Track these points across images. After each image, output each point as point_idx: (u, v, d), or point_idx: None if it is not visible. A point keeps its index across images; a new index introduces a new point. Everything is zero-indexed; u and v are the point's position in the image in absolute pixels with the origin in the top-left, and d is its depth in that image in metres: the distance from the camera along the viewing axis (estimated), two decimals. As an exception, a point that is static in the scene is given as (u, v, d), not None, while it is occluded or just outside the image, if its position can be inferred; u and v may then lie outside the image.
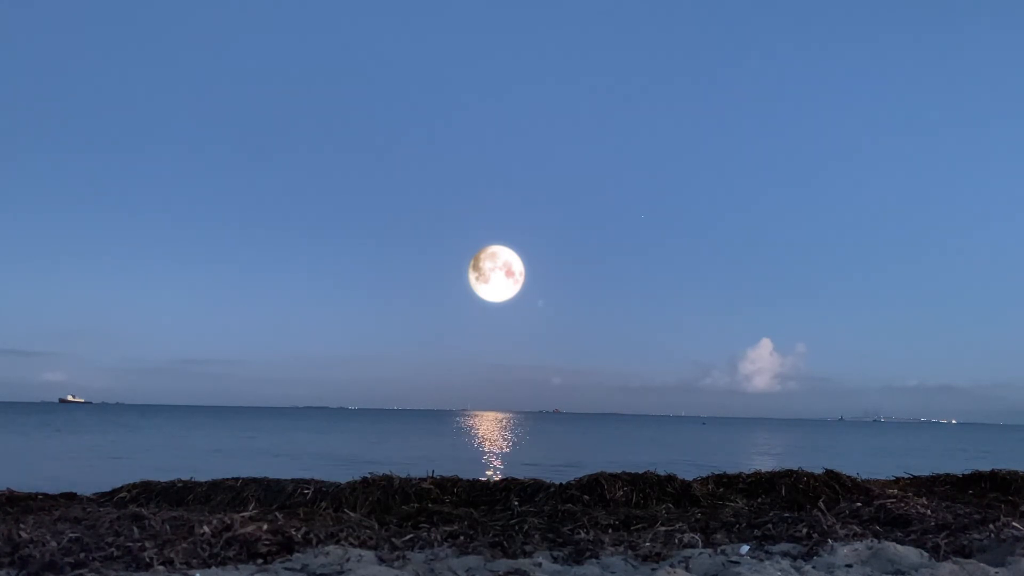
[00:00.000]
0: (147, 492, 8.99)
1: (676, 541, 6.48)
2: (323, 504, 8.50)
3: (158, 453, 29.02)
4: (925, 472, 12.16)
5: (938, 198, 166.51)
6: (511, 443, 43.55)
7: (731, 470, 10.58)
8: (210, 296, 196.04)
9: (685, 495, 9.05)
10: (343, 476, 9.67)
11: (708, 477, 10.30)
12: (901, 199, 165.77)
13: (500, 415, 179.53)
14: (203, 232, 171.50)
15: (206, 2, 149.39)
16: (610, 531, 7.07)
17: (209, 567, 5.44)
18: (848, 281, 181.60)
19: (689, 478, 9.80)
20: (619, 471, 9.58)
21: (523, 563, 5.65)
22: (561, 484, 9.27)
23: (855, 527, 6.94)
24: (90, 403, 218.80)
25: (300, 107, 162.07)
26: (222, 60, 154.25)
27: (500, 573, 5.39)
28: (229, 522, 6.32)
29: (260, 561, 5.71)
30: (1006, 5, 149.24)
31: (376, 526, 7.31)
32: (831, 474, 9.76)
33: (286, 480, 9.25)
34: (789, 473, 9.79)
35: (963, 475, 11.21)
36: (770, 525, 7.13)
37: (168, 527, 6.33)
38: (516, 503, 8.56)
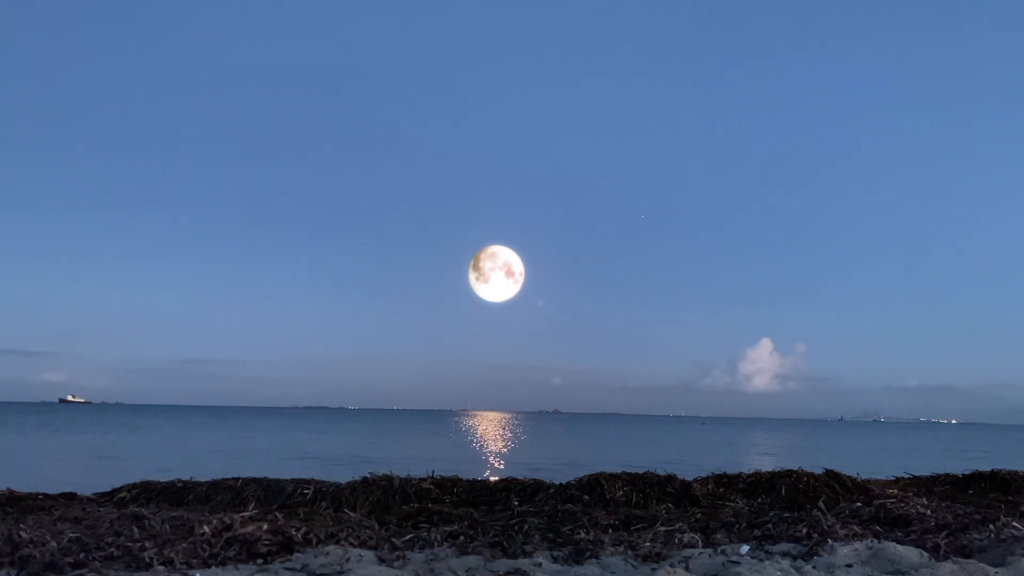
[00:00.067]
0: (147, 492, 8.98)
1: (676, 541, 6.48)
2: (323, 504, 8.50)
3: (158, 453, 29.02)
4: (925, 472, 12.15)
5: (938, 198, 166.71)
6: (511, 443, 43.55)
7: (731, 470, 10.56)
8: (210, 296, 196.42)
9: (685, 495, 9.05)
10: (343, 476, 9.67)
11: (708, 477, 10.29)
12: (901, 199, 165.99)
13: (500, 415, 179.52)
14: (203, 232, 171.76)
15: (206, 2, 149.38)
16: (610, 531, 7.07)
17: (209, 567, 5.44)
18: (848, 281, 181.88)
19: (689, 478, 9.79)
20: (619, 471, 9.57)
21: (523, 563, 5.65)
22: (561, 484, 9.26)
23: (855, 527, 6.93)
24: (90, 403, 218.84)
25: (300, 107, 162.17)
26: (222, 60, 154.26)
27: (500, 573, 5.39)
28: (229, 522, 6.32)
29: (260, 561, 5.70)
30: (1006, 5, 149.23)
31: (376, 526, 7.30)
32: (831, 474, 9.76)
33: (286, 480, 9.24)
34: (789, 473, 9.78)
35: (963, 475, 11.19)
36: (770, 525, 7.13)
37: (168, 527, 6.33)
38: (516, 503, 8.56)
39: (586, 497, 8.81)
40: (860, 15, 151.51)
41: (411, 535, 6.71)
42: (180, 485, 9.13)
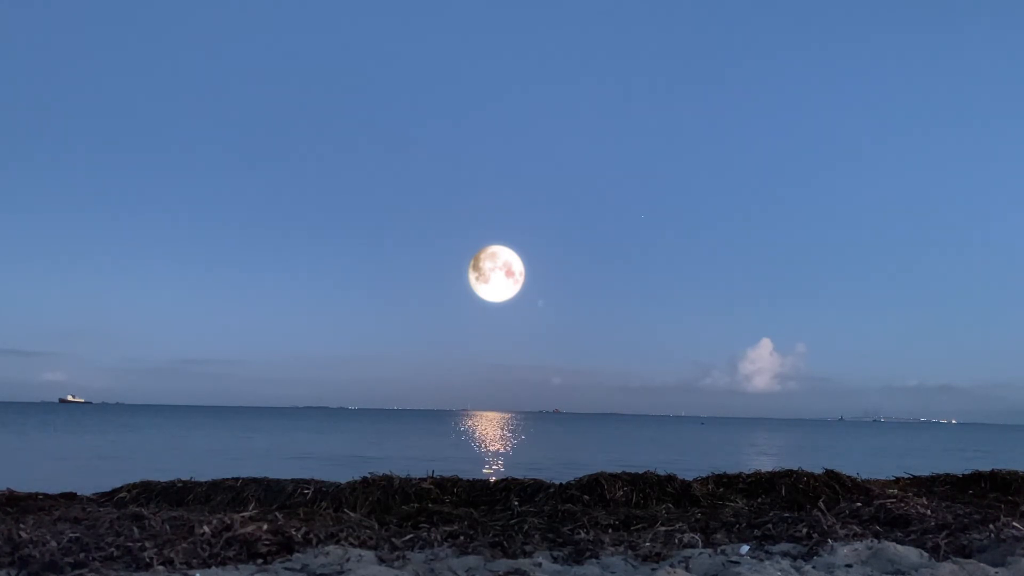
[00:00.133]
0: (147, 492, 8.98)
1: (676, 541, 6.48)
2: (323, 504, 8.50)
3: (158, 453, 29.02)
4: (925, 472, 12.14)
5: (938, 198, 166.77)
6: (511, 443, 43.54)
7: (731, 470, 10.56)
8: (210, 296, 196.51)
9: (685, 495, 9.05)
10: (343, 476, 9.66)
11: (708, 477, 10.28)
12: (901, 199, 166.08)
13: (500, 415, 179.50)
14: (203, 232, 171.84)
15: (206, 2, 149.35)
16: (610, 531, 7.07)
17: (209, 567, 5.44)
18: (848, 281, 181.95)
19: (689, 478, 9.79)
20: (619, 471, 9.57)
21: (523, 563, 5.65)
22: (561, 484, 9.26)
23: (855, 527, 6.93)
24: (90, 403, 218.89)
25: (300, 108, 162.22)
26: (222, 61, 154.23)
27: (500, 573, 5.39)
28: (229, 522, 6.31)
29: (260, 561, 5.70)
30: (1006, 5, 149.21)
31: (376, 526, 7.30)
32: (831, 474, 9.75)
33: (286, 480, 9.24)
34: (789, 473, 9.78)
35: (963, 475, 11.19)
36: (770, 525, 7.13)
37: (168, 527, 6.32)
38: (516, 503, 8.56)
39: (586, 497, 8.81)
40: (860, 15, 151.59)
41: (411, 535, 6.71)
42: (180, 485, 9.13)
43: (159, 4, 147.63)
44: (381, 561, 5.70)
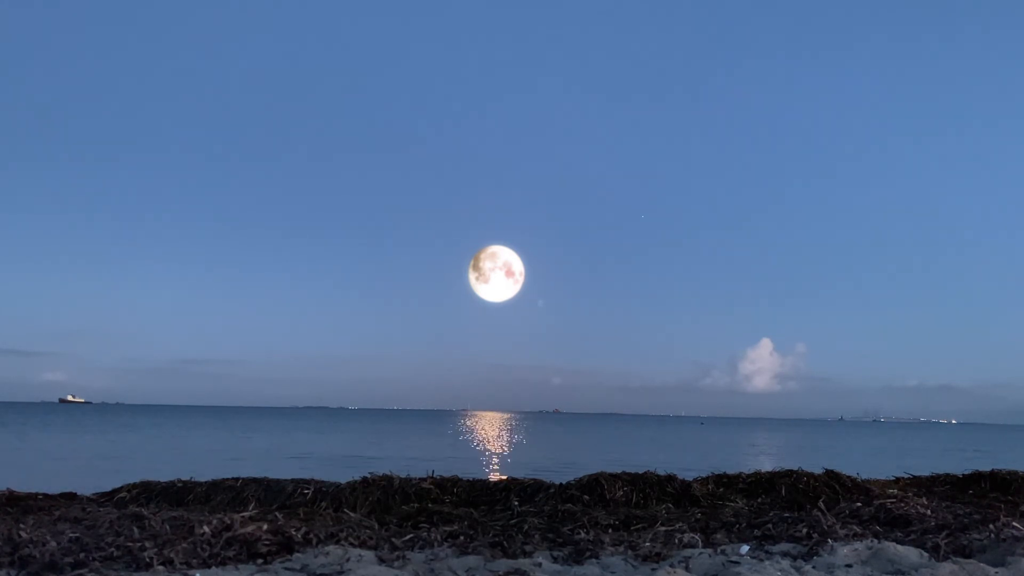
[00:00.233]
0: (147, 492, 8.98)
1: (676, 541, 6.48)
2: (323, 504, 8.50)
3: (158, 453, 29.03)
4: (925, 472, 12.14)
5: (938, 199, 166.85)
6: (511, 443, 43.55)
7: (731, 470, 10.56)
8: (210, 296, 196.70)
9: (685, 495, 9.05)
10: (343, 476, 9.66)
11: (708, 477, 10.28)
12: (901, 200, 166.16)
13: (500, 415, 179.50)
14: (203, 232, 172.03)
15: (206, 2, 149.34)
16: (610, 531, 7.07)
17: (209, 567, 5.44)
18: (848, 281, 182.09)
19: (689, 478, 9.79)
20: (619, 471, 9.57)
21: (523, 563, 5.65)
22: (561, 484, 9.26)
23: (855, 527, 6.93)
24: (90, 403, 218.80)
25: (300, 108, 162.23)
26: (222, 61, 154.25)
27: (500, 573, 5.39)
28: (229, 522, 6.32)
29: (260, 561, 5.70)
30: (1006, 5, 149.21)
31: (376, 526, 7.30)
32: (831, 474, 9.75)
33: (286, 480, 9.24)
34: (789, 473, 9.78)
35: (963, 475, 11.18)
36: (770, 525, 7.13)
37: (168, 527, 6.32)
38: (516, 503, 8.56)
39: (586, 497, 8.81)
40: (861, 16, 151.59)
41: (411, 535, 6.71)
42: (180, 485, 9.13)
43: (159, 4, 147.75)
44: (381, 561, 5.70)
